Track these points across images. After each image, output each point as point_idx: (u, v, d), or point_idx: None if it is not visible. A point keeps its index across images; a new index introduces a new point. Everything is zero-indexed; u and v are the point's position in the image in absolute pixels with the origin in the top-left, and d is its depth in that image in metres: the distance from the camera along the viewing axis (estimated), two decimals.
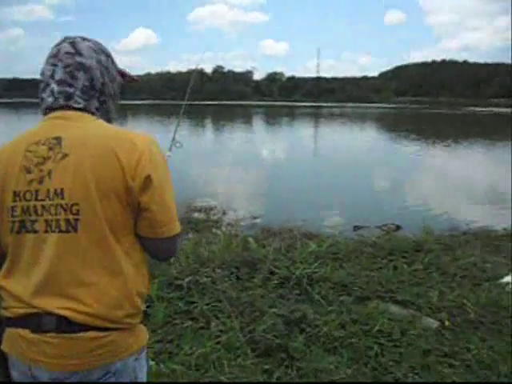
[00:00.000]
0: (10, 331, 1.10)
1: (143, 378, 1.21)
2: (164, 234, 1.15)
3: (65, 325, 1.05)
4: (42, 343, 1.05)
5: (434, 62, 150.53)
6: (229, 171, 11.63)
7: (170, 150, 2.04)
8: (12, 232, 1.11)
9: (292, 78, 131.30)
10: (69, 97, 1.15)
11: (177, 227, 1.17)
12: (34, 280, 1.08)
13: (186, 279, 3.60)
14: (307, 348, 2.80)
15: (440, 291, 3.62)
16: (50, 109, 1.17)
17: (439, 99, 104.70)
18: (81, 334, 1.05)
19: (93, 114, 1.18)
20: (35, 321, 1.06)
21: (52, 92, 1.16)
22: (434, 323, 3.15)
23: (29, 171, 1.09)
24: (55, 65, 1.17)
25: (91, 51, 1.20)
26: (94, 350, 1.06)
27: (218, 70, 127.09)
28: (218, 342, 2.78)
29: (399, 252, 4.59)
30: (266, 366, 2.60)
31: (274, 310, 3.22)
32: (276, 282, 3.75)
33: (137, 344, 1.16)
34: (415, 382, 2.40)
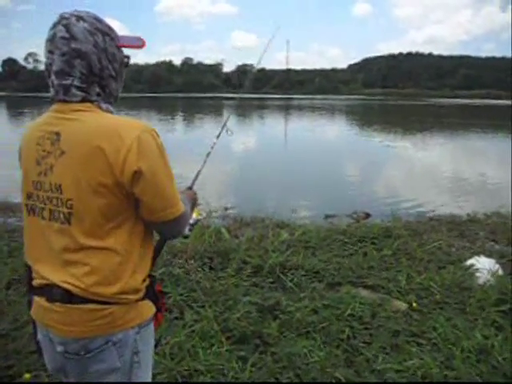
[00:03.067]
0: (34, 299, 1.27)
1: (145, 351, 1.30)
2: (162, 218, 1.23)
3: (67, 296, 1.18)
4: (52, 311, 1.21)
5: (400, 54, 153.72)
6: (200, 163, 11.56)
7: (217, 137, 1.99)
8: (28, 214, 1.27)
9: (262, 70, 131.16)
10: (67, 90, 1.19)
11: (176, 211, 1.23)
12: (45, 257, 1.23)
13: (159, 271, 3.58)
14: (281, 334, 2.85)
15: (408, 275, 3.74)
16: (53, 100, 1.23)
17: (405, 91, 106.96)
18: (81, 306, 1.18)
19: (93, 101, 1.21)
20: (48, 291, 1.21)
21: (53, 84, 1.20)
22: (402, 305, 3.26)
23: (38, 163, 1.22)
24: (52, 52, 1.18)
25: (87, 34, 1.18)
26: (94, 320, 1.18)
27: (187, 62, 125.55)
28: (192, 331, 2.79)
29: (369, 239, 4.70)
30: (241, 353, 2.63)
31: (247, 298, 3.26)
32: (249, 271, 3.78)
33: (138, 318, 1.25)
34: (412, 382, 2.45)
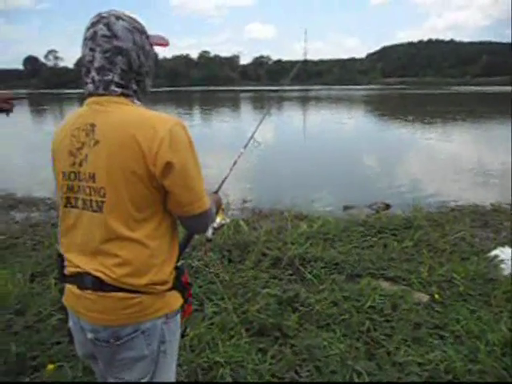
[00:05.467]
0: (66, 286, 1.31)
1: (172, 341, 1.34)
2: (189, 212, 1.26)
3: (99, 284, 1.21)
4: (83, 298, 1.24)
5: (420, 42, 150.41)
6: (218, 156, 11.59)
7: (245, 147, 2.04)
8: (62, 205, 1.30)
9: (279, 62, 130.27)
10: (107, 85, 1.24)
11: (202, 206, 1.26)
12: (77, 246, 1.27)
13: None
14: (300, 326, 2.84)
15: (430, 266, 3.68)
16: (91, 94, 1.26)
17: (426, 79, 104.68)
18: (112, 294, 1.21)
19: (129, 96, 1.27)
20: (79, 279, 1.25)
21: (93, 80, 1.25)
22: (424, 297, 3.20)
23: (72, 154, 1.25)
24: (93, 50, 1.23)
25: (127, 32, 1.24)
26: (124, 308, 1.22)
27: (203, 56, 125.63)
28: (211, 324, 2.80)
29: (389, 230, 4.63)
30: (261, 345, 2.63)
31: (266, 290, 3.25)
32: (268, 263, 3.77)
33: (166, 308, 1.29)
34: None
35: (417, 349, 2.57)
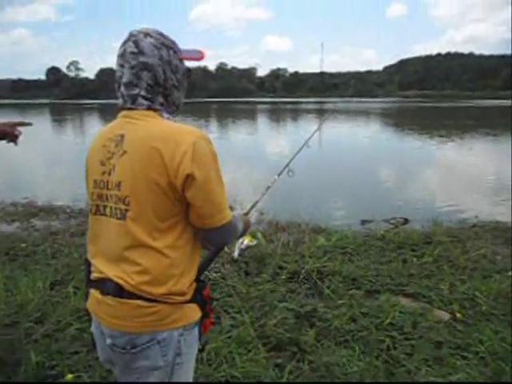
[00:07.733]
0: (90, 291, 1.35)
1: (189, 354, 1.34)
2: (210, 224, 1.28)
3: (119, 291, 1.24)
4: (104, 304, 1.28)
5: (438, 55, 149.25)
6: (234, 167, 11.63)
7: (279, 174, 2.07)
8: (91, 213, 1.35)
9: (295, 74, 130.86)
10: (134, 99, 1.30)
11: (222, 218, 1.28)
12: (103, 252, 1.31)
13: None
14: (318, 342, 2.80)
15: (451, 283, 3.60)
16: (122, 108, 1.34)
17: (444, 92, 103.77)
18: (130, 301, 1.23)
19: (156, 110, 1.31)
20: (102, 284, 1.28)
21: (122, 95, 1.32)
22: (445, 315, 3.13)
23: (103, 164, 1.31)
24: (123, 66, 1.31)
25: (153, 48, 1.29)
26: (141, 316, 1.24)
27: (221, 67, 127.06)
28: (229, 337, 2.78)
29: (408, 245, 4.57)
30: (278, 360, 2.60)
31: (284, 304, 3.22)
32: (285, 276, 3.75)
33: (184, 320, 1.29)
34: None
35: (439, 369, 2.51)
